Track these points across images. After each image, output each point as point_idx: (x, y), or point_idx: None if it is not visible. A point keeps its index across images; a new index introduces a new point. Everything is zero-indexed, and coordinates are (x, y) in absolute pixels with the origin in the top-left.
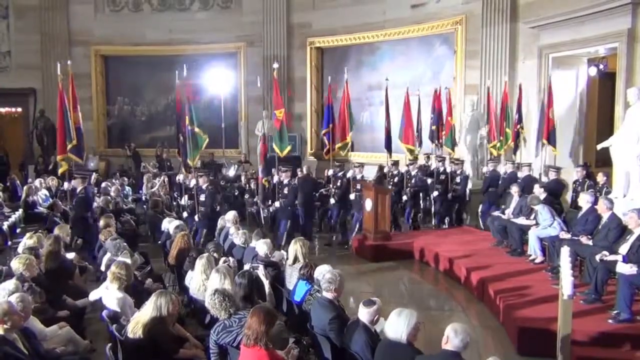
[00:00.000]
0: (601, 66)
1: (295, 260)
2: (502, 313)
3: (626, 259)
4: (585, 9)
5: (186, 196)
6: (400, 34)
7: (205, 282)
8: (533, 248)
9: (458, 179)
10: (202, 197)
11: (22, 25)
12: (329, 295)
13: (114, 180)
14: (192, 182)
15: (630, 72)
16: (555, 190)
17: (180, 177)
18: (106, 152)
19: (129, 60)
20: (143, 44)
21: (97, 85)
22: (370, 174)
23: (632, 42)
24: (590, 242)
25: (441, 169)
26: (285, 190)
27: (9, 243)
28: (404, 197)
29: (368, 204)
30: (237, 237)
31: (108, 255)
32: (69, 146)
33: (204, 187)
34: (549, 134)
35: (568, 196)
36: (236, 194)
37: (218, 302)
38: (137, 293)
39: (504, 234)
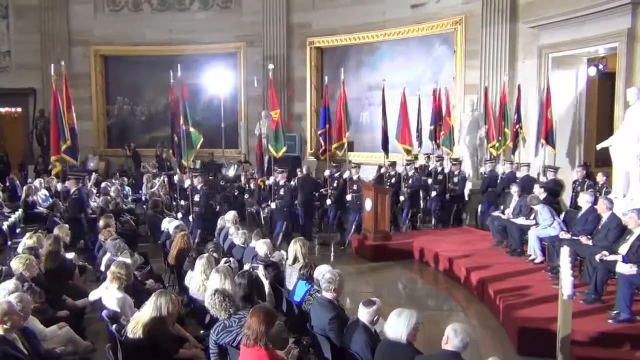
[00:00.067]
0: (601, 66)
1: (295, 260)
2: (502, 313)
3: (626, 259)
4: (586, 9)
5: (181, 196)
6: (400, 34)
7: (205, 282)
8: (533, 248)
9: (456, 179)
10: (197, 198)
11: (22, 25)
12: (328, 295)
13: (114, 181)
14: (187, 183)
15: (630, 72)
16: (554, 191)
17: (175, 178)
18: (106, 153)
19: (129, 60)
20: (143, 44)
21: (97, 85)
22: (369, 174)
23: (632, 42)
24: (590, 243)
25: (439, 169)
26: (282, 192)
27: (9, 243)
28: (402, 198)
29: (368, 204)
30: (237, 237)
31: (108, 255)
32: (63, 147)
33: (199, 187)
34: (547, 134)
35: (566, 196)
36: (236, 194)
37: (218, 302)
38: (137, 293)
39: (504, 234)
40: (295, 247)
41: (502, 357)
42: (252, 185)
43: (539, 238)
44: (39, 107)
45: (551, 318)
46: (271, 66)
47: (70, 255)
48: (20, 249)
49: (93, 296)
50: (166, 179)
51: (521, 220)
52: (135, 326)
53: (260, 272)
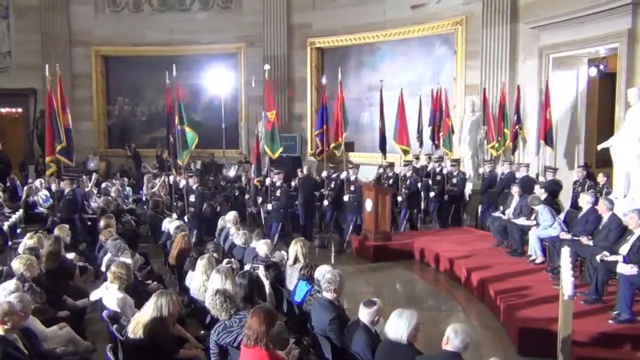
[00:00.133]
0: (601, 66)
1: (296, 260)
2: (503, 313)
3: (627, 260)
4: (586, 10)
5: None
6: (400, 35)
7: (205, 282)
8: (533, 248)
9: (454, 180)
10: (192, 198)
11: (23, 25)
12: (329, 295)
13: (114, 181)
14: (182, 183)
15: (630, 72)
16: (553, 191)
17: (170, 178)
18: (106, 153)
19: (130, 60)
20: (143, 45)
21: (97, 85)
22: (369, 174)
23: (632, 42)
24: (590, 243)
25: (437, 170)
26: (278, 193)
27: (10, 243)
28: (399, 199)
29: (368, 204)
30: (237, 237)
31: (108, 255)
32: (58, 148)
33: (193, 187)
34: (546, 135)
35: (563, 196)
36: (236, 194)
37: (219, 302)
38: (137, 293)
39: (505, 235)
40: (296, 247)
41: (502, 357)
42: (252, 186)
43: (540, 238)
44: (39, 107)
45: (551, 318)
46: (267, 66)
47: (71, 255)
48: (20, 249)
49: (93, 296)
50: (166, 179)
51: (522, 221)
52: (136, 326)
53: (261, 272)
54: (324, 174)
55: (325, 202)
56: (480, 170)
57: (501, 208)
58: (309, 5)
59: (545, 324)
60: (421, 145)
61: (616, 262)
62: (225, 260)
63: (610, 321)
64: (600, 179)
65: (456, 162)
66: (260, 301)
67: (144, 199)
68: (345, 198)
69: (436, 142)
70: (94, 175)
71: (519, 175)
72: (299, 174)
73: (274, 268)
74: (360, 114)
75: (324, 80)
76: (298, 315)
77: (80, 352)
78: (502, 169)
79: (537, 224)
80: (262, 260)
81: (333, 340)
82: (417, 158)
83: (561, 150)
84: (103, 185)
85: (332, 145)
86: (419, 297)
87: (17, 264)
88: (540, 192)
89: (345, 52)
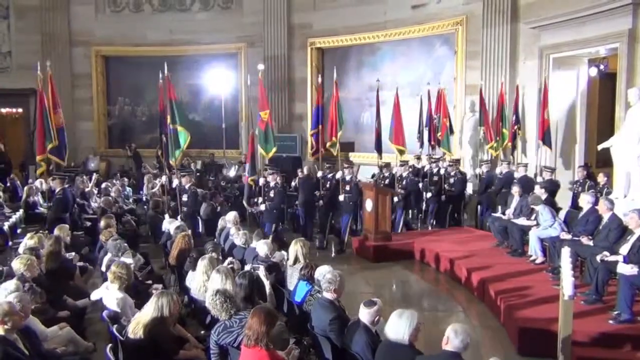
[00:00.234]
0: (602, 66)
1: (296, 260)
2: (503, 313)
3: (627, 260)
4: (586, 10)
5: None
6: (400, 35)
7: (206, 283)
8: (534, 248)
9: (451, 180)
10: (185, 198)
11: (23, 25)
12: (329, 295)
13: (114, 181)
14: (175, 183)
15: (630, 72)
16: (552, 191)
17: (163, 178)
18: (107, 153)
19: (130, 60)
20: (144, 45)
21: (97, 85)
22: (368, 174)
23: (632, 42)
24: (590, 243)
25: (434, 170)
26: (272, 193)
27: (10, 243)
28: (395, 199)
29: (368, 205)
30: (237, 237)
31: (109, 255)
32: (49, 147)
33: (186, 187)
34: (544, 134)
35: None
36: (237, 194)
37: (219, 302)
38: (137, 293)
39: (505, 235)
40: (296, 248)
41: (502, 357)
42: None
43: (540, 238)
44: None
45: (552, 318)
46: (260, 66)
47: (71, 255)
48: (21, 249)
49: (94, 296)
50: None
51: (522, 221)
52: (136, 326)
53: (261, 272)
54: (320, 174)
55: (320, 202)
56: (477, 171)
57: (500, 208)
58: (310, 6)
59: (546, 324)
60: (422, 145)
61: (616, 262)
62: (227, 261)
63: (611, 321)
64: (601, 179)
65: (454, 162)
66: (260, 301)
67: (144, 199)
68: (341, 198)
69: (432, 142)
70: (95, 176)
71: (517, 175)
72: (299, 174)
73: (274, 268)
74: (360, 114)
75: (319, 80)
76: (298, 316)
77: (81, 352)
78: (500, 169)
79: (538, 224)
80: (262, 260)
81: (333, 341)
82: (419, 158)
83: (560, 150)
84: (103, 185)
85: (328, 144)
86: (419, 297)
87: (17, 264)
88: (540, 192)
89: (345, 52)
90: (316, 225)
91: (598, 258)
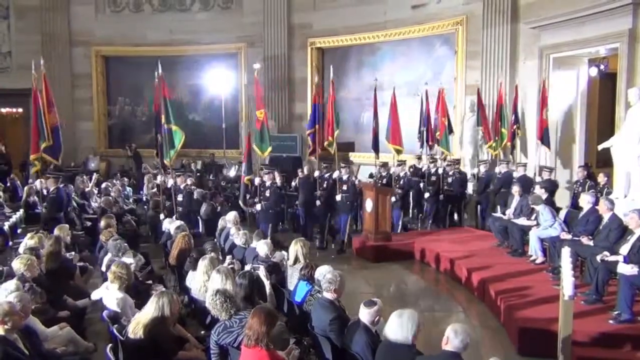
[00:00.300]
0: (602, 66)
1: (296, 260)
2: (503, 313)
3: (627, 260)
4: (586, 10)
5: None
6: (401, 35)
7: (206, 283)
8: (534, 248)
9: (450, 180)
10: (180, 197)
11: (23, 25)
12: (329, 295)
13: (114, 181)
14: (170, 182)
15: (631, 72)
16: (552, 191)
17: (159, 178)
18: (107, 153)
19: (130, 60)
20: (144, 45)
21: (97, 85)
22: (368, 174)
23: (633, 42)
24: (591, 243)
25: (433, 170)
26: (267, 193)
27: (10, 243)
28: (392, 199)
29: (369, 205)
30: (237, 237)
31: (109, 255)
32: (43, 146)
33: (181, 187)
34: (542, 134)
35: (558, 196)
36: (237, 194)
37: (219, 302)
38: (138, 293)
39: (505, 235)
40: (296, 248)
41: (502, 357)
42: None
43: (540, 238)
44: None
45: (552, 318)
46: (256, 65)
47: (71, 255)
48: (21, 249)
49: (94, 296)
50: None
51: (522, 221)
52: (136, 326)
53: (261, 272)
54: (317, 173)
55: (317, 202)
56: (475, 171)
57: (499, 208)
58: (310, 6)
59: (546, 324)
60: (422, 145)
61: (616, 262)
62: (228, 262)
63: (611, 321)
64: (601, 179)
65: (453, 162)
66: (260, 301)
67: (144, 199)
68: (338, 198)
69: (430, 142)
70: (95, 176)
71: (516, 175)
72: (299, 173)
73: (274, 268)
74: (360, 114)
75: (315, 79)
76: (298, 316)
77: (81, 352)
78: (499, 169)
79: (538, 224)
80: (262, 260)
81: (333, 341)
82: (419, 158)
83: (559, 150)
84: (103, 185)
85: (325, 143)
86: (419, 297)
87: (17, 264)
88: (541, 192)
89: (345, 52)
90: (316, 225)
91: (598, 258)
